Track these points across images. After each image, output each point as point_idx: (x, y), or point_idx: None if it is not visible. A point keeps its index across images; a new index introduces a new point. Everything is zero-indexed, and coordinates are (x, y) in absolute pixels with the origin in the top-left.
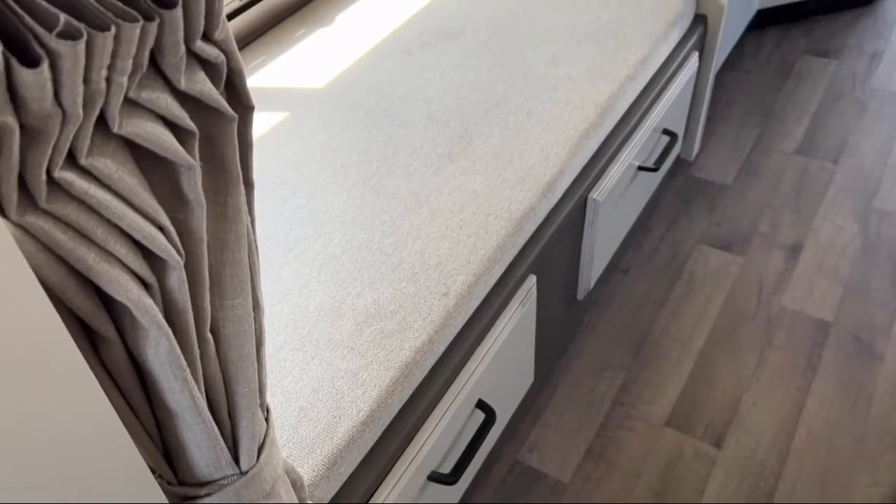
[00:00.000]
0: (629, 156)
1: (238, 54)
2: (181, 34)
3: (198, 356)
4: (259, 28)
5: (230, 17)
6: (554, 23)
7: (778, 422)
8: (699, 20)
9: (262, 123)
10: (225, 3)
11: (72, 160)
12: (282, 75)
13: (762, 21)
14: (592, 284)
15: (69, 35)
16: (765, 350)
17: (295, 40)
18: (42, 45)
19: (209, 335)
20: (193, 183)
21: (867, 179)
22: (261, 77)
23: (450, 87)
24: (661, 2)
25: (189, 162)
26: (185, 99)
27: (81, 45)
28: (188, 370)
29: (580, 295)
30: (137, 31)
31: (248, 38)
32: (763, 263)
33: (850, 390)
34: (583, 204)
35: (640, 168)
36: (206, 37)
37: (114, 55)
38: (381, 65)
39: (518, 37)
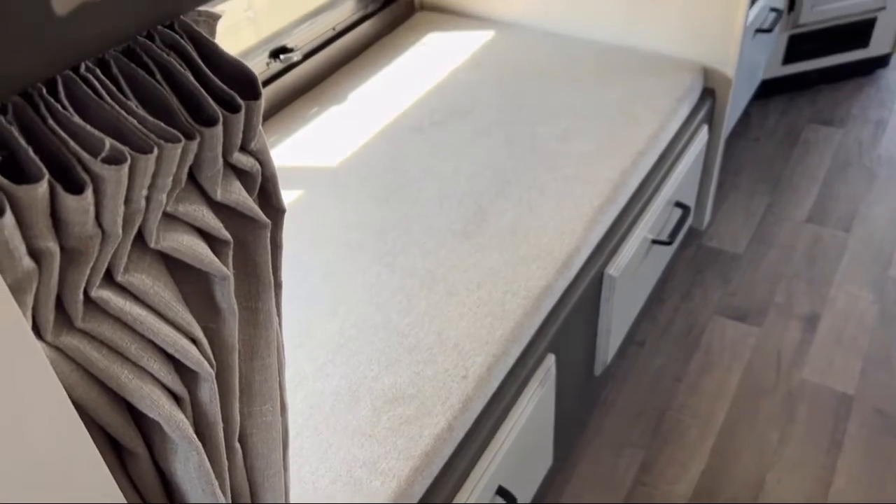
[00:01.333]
0: (643, 230)
1: (272, 161)
2: (220, 149)
3: (226, 467)
4: (273, 107)
5: None
6: (564, 100)
7: (805, 501)
8: (707, 94)
9: None
10: None
11: (108, 277)
12: (296, 153)
13: (767, 90)
14: (610, 359)
15: (113, 159)
16: (787, 425)
17: (308, 119)
18: (86, 169)
19: (237, 445)
20: (227, 292)
21: (880, 247)
22: (275, 155)
23: (463, 164)
24: (670, 78)
25: (223, 272)
26: (219, 207)
27: (125, 168)
28: (216, 483)
29: (597, 370)
30: (178, 151)
31: (263, 117)
32: (780, 335)
33: (878, 468)
34: (599, 280)
35: (654, 242)
36: (243, 147)
37: (154, 174)
38: (394, 142)
39: (528, 114)
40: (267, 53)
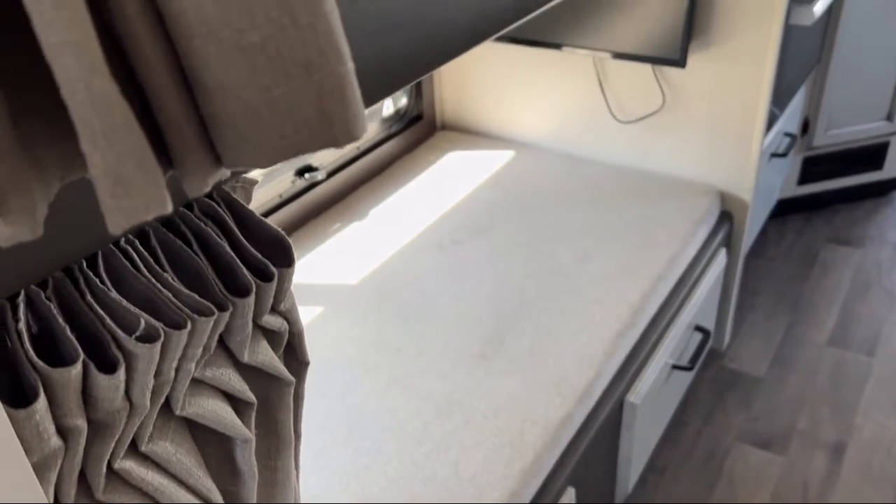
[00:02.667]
0: (663, 355)
1: (300, 318)
2: (251, 315)
3: None
4: (296, 222)
5: (271, 212)
6: (582, 221)
7: None
8: (725, 217)
9: None
10: (266, 200)
11: (132, 446)
12: (316, 269)
13: (783, 209)
14: (631, 489)
15: (147, 337)
16: None
17: (330, 234)
18: (119, 346)
19: None
20: (248, 455)
21: None
22: (295, 270)
23: (481, 284)
24: (687, 201)
25: (246, 436)
26: (245, 366)
27: (158, 345)
28: None
29: (618, 500)
30: (211, 323)
31: (285, 232)
32: (805, 464)
33: None
34: (619, 407)
35: (675, 367)
36: (273, 308)
37: (185, 346)
38: (413, 260)
39: (548, 234)
40: (293, 171)
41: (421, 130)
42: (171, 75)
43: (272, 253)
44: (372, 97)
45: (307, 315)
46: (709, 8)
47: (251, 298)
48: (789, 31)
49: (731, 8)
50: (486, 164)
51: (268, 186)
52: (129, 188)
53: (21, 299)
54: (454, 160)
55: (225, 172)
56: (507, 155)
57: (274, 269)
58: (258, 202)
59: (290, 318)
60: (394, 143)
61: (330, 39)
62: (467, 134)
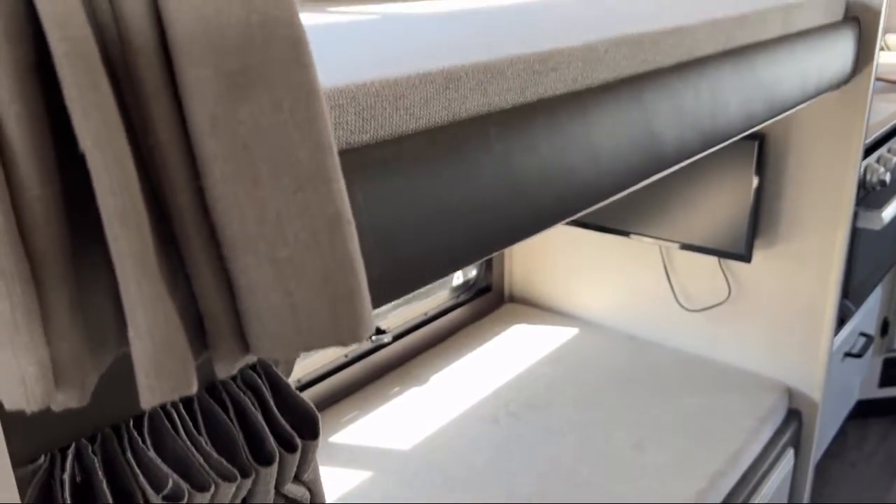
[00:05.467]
0: None
1: (322, 489)
2: (273, 483)
3: None
4: (357, 383)
5: (333, 372)
6: (640, 406)
7: None
8: (793, 416)
9: (345, 482)
10: (333, 358)
11: None
12: (371, 432)
13: (864, 411)
14: None
15: (173, 496)
16: None
17: (389, 398)
18: (147, 501)
19: None
20: None
21: None
22: (350, 433)
23: (533, 463)
24: (752, 395)
25: None
26: None
27: None
28: None
29: None
30: (234, 488)
31: (344, 393)
32: None
33: None
34: None
35: None
36: (296, 477)
37: None
38: (467, 431)
39: (604, 416)
40: None
41: (488, 301)
42: (215, 276)
43: (300, 424)
44: (446, 270)
45: (356, 479)
46: (774, 207)
47: (275, 467)
48: (860, 234)
49: (797, 209)
50: (549, 339)
51: None
52: (161, 372)
53: (71, 451)
54: (519, 333)
55: (251, 357)
56: (570, 332)
57: (299, 441)
58: (326, 358)
59: (313, 489)
60: (461, 311)
61: (346, 259)
62: (534, 308)
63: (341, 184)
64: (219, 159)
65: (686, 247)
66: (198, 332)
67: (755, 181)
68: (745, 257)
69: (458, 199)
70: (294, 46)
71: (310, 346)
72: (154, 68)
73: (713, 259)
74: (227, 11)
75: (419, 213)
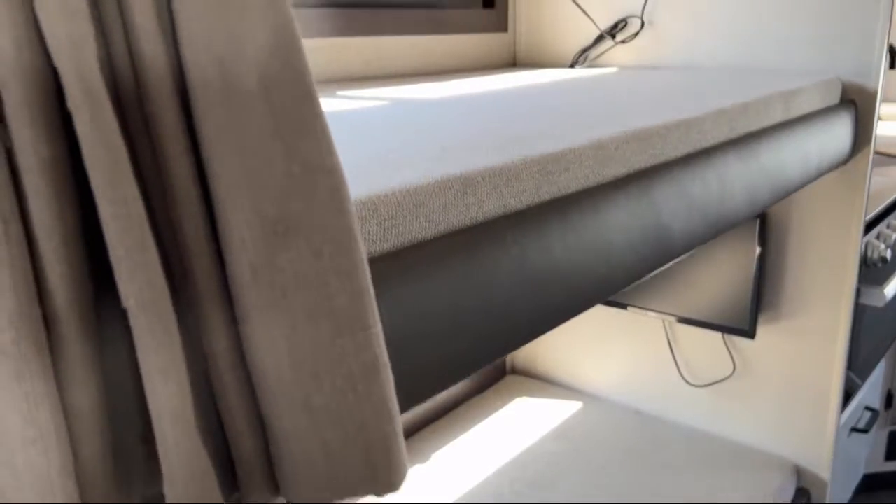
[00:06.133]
0: None
1: None
2: None
3: None
4: None
5: None
6: (649, 484)
7: None
8: (801, 494)
9: None
10: None
11: None
12: None
13: (871, 485)
14: None
15: None
16: None
17: None
18: None
19: None
20: None
21: None
22: None
23: None
24: (760, 473)
25: None
26: None
27: None
28: None
29: None
30: None
31: None
32: None
33: None
34: None
35: None
36: None
37: None
38: None
39: (609, 495)
40: None
41: (490, 373)
42: (249, 422)
43: None
44: (464, 373)
45: None
46: (777, 283)
47: None
48: (863, 309)
49: (800, 285)
50: (552, 414)
51: None
52: None
53: None
54: (522, 407)
55: (280, 499)
56: (574, 406)
57: None
58: None
59: None
60: (462, 383)
61: (382, 405)
62: (536, 380)
63: (379, 327)
64: (258, 308)
65: (689, 321)
66: (229, 474)
67: (757, 258)
68: (749, 333)
69: (474, 303)
70: (335, 193)
71: (343, 495)
72: (196, 217)
73: (717, 333)
74: (270, 161)
75: (436, 318)
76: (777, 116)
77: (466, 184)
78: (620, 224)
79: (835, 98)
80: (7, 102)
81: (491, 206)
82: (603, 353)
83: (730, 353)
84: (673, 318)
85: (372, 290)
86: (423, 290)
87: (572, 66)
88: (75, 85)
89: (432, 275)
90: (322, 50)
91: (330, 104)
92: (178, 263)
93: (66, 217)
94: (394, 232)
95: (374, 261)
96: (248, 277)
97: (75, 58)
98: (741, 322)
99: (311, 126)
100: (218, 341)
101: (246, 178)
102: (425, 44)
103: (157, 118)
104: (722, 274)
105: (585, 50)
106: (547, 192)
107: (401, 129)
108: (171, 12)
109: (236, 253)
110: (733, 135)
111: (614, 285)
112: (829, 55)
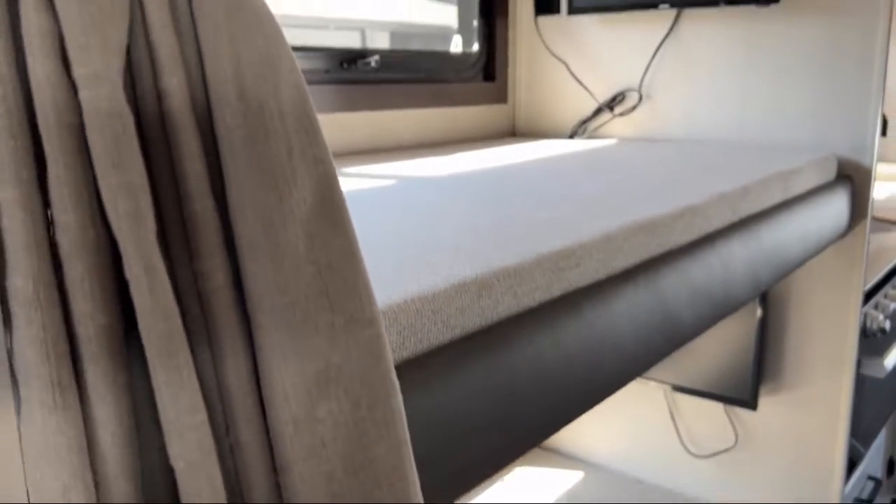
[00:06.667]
0: None
1: None
2: None
3: None
4: None
5: None
6: None
7: None
8: None
9: None
10: None
11: None
12: None
13: None
14: None
15: None
16: None
17: None
18: None
19: None
20: None
21: None
22: None
23: None
24: None
25: None
26: None
27: None
28: None
29: None
30: None
31: None
32: None
33: None
34: None
35: None
36: None
37: None
38: None
39: None
40: None
41: None
42: None
43: None
44: (482, 476)
45: None
46: (778, 354)
47: None
48: (863, 379)
49: (800, 356)
50: (554, 483)
51: None
52: None
53: None
54: (523, 477)
55: None
56: (576, 475)
57: None
58: None
59: None
60: None
61: None
62: (536, 448)
63: (416, 476)
64: (298, 461)
65: (690, 391)
66: None
67: (758, 325)
68: (751, 405)
69: (492, 404)
70: (373, 343)
71: None
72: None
73: (719, 405)
74: (315, 317)
75: (455, 422)
76: (776, 197)
77: (482, 286)
78: (630, 315)
79: (831, 174)
80: (68, 275)
81: (505, 306)
82: (604, 421)
83: (732, 423)
84: (674, 388)
85: (408, 437)
86: (439, 395)
87: (571, 136)
88: (134, 255)
89: (451, 379)
90: (328, 125)
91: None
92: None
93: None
94: (412, 339)
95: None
96: (290, 430)
97: (135, 233)
98: (743, 393)
99: (354, 282)
100: (255, 489)
101: (290, 335)
102: (428, 116)
103: (208, 276)
104: (723, 343)
105: (584, 121)
106: (558, 289)
107: (411, 215)
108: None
109: (278, 407)
110: (735, 218)
111: (626, 376)
112: (824, 131)
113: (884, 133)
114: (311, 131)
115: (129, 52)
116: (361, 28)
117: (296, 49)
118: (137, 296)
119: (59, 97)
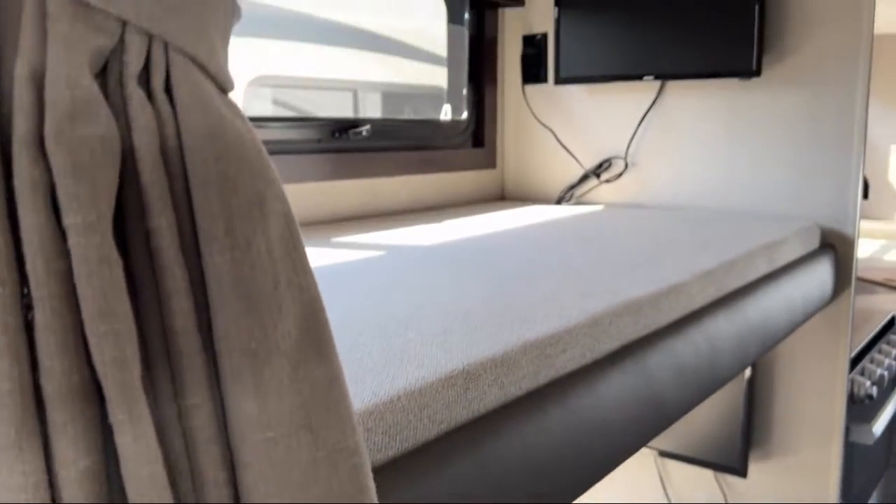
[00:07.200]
0: None
1: None
2: None
3: None
4: None
5: None
6: None
7: None
8: None
9: None
10: None
11: None
12: None
13: None
14: None
15: None
16: None
17: None
18: None
19: None
20: None
21: None
22: None
23: None
24: None
25: None
26: None
27: None
28: None
29: None
30: None
31: None
32: None
33: None
34: None
35: None
36: None
37: None
38: None
39: None
40: None
41: None
42: None
43: None
44: None
45: None
46: (767, 420)
47: None
48: (853, 444)
49: (790, 422)
50: None
51: None
52: None
53: None
54: None
55: None
56: None
57: None
58: None
59: None
60: None
61: None
62: None
63: None
64: None
65: (680, 457)
66: None
67: (745, 397)
68: (740, 471)
69: (478, 498)
70: (355, 472)
71: None
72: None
73: (709, 473)
74: (297, 451)
75: None
76: (761, 269)
77: (469, 378)
78: (616, 399)
79: (814, 244)
80: (51, 420)
81: (492, 397)
82: (594, 488)
83: (722, 489)
84: (664, 454)
85: None
86: (430, 492)
87: (559, 202)
88: (118, 401)
89: (434, 474)
90: (319, 193)
91: (325, 255)
92: None
93: None
94: (398, 438)
95: (378, 470)
96: None
97: (120, 379)
98: (732, 459)
99: (337, 411)
100: None
101: (273, 470)
102: (418, 182)
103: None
104: (711, 409)
105: (572, 187)
106: (545, 376)
107: (397, 294)
108: None
109: None
110: (720, 294)
111: (614, 461)
112: (806, 200)
113: (865, 196)
114: (297, 259)
115: (120, 190)
116: (354, 89)
117: (288, 120)
118: (122, 444)
119: (48, 246)
